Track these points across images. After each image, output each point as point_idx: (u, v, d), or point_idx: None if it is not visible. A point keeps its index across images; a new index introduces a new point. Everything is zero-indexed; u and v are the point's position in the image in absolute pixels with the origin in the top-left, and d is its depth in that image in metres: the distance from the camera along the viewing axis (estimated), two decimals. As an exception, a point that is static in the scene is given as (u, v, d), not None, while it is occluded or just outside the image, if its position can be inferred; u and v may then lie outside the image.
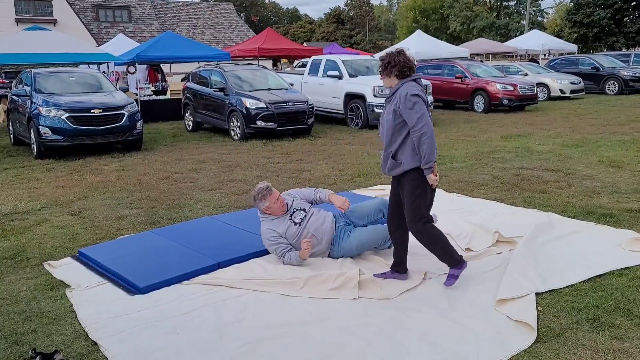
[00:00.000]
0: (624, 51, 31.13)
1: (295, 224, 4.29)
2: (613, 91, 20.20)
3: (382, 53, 3.78)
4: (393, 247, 4.06)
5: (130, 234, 5.22)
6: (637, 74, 20.04)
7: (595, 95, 19.86)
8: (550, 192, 6.39)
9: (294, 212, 4.34)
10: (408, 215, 3.76)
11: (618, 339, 3.08)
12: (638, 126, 11.63)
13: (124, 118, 9.81)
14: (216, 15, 42.26)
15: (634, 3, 37.83)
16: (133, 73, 16.78)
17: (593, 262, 4.16)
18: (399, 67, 3.65)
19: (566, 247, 4.51)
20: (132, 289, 3.95)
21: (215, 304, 3.69)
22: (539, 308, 3.47)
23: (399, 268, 4.02)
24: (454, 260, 3.82)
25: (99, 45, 25.30)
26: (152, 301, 3.76)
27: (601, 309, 3.43)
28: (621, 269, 4.03)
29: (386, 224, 4.34)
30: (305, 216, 4.33)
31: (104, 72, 14.35)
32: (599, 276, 3.92)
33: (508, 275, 3.87)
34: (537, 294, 3.63)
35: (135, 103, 10.48)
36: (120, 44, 20.05)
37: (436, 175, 3.65)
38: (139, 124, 10.10)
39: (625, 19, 38.95)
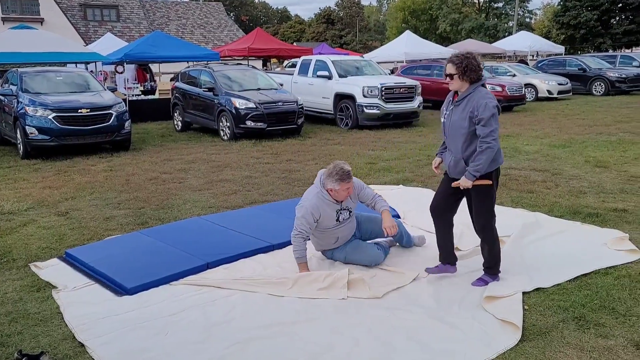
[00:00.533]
0: (610, 52, 31.54)
1: (337, 221, 4.23)
2: (600, 92, 20.41)
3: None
4: (440, 238, 4.00)
5: (118, 235, 5.19)
6: (623, 75, 20.28)
7: (582, 96, 20.06)
8: (538, 192, 6.44)
9: (343, 210, 4.25)
10: (481, 211, 3.77)
11: (603, 337, 3.12)
12: (624, 127, 11.77)
13: (112, 118, 9.74)
14: (205, 14, 42.09)
15: (620, 5, 38.28)
16: (121, 73, 16.66)
17: (579, 261, 4.21)
18: (476, 72, 3.60)
19: (553, 247, 4.56)
20: (120, 290, 3.93)
21: (203, 304, 3.69)
22: (526, 307, 3.50)
23: (450, 259, 4.00)
24: (497, 268, 3.88)
25: (87, 44, 25.14)
26: (140, 302, 3.74)
27: (587, 307, 3.47)
28: (607, 268, 4.08)
29: (379, 250, 4.39)
30: (346, 219, 4.29)
31: (91, 71, 14.23)
32: (585, 275, 3.96)
33: (495, 275, 3.90)
34: (524, 293, 3.67)
35: (123, 103, 10.42)
36: (108, 43, 19.88)
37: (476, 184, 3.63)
38: (127, 123, 10.04)
39: (612, 20, 39.41)
